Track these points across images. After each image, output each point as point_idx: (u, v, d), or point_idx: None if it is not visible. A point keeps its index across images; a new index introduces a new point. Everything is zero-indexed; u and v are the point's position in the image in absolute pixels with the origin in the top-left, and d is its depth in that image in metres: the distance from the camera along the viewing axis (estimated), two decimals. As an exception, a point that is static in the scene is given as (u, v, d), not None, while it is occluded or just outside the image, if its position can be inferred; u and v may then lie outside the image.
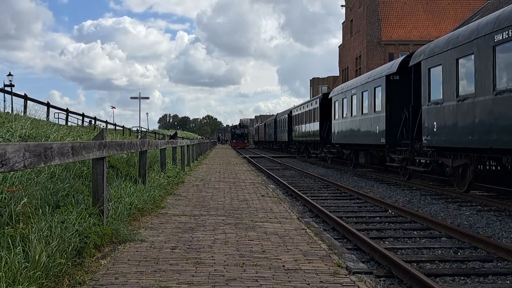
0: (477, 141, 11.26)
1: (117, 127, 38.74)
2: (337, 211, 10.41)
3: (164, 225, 6.62)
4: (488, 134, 10.74)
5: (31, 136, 9.09)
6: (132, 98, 77.21)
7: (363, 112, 20.44)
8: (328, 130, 28.25)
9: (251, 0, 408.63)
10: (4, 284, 3.34)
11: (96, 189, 5.81)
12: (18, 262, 3.63)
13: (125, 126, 42.34)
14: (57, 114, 25.05)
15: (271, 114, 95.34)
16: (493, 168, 12.89)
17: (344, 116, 23.76)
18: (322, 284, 4.03)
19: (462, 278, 5.63)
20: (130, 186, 8.36)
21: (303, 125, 36.03)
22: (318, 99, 31.34)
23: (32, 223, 4.59)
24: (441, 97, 13.11)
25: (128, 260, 4.74)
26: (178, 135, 41.06)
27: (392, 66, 17.85)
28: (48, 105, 22.81)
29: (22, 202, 4.83)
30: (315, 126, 31.48)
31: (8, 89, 25.51)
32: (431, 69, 13.87)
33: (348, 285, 4.03)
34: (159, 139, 21.08)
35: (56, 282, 3.84)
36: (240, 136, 76.58)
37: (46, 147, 4.02)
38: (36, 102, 21.11)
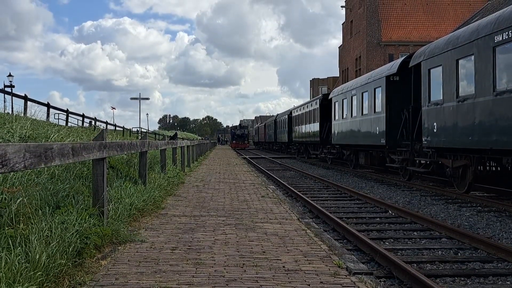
0: (477, 142, 11.26)
1: (117, 128, 38.75)
2: (337, 212, 10.41)
3: (164, 226, 6.61)
4: (488, 135, 10.74)
5: (31, 137, 9.09)
6: (132, 98, 77.36)
7: (363, 113, 20.44)
8: (328, 131, 28.25)
9: (251, 1, 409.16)
10: (4, 285, 3.34)
11: (96, 190, 5.81)
12: (18, 263, 3.64)
13: (125, 127, 42.36)
14: (57, 115, 25.06)
15: (271, 114, 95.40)
16: (493, 169, 12.89)
17: (344, 117, 23.76)
18: (323, 285, 4.03)
19: (462, 278, 5.63)
20: (130, 186, 8.36)
21: (303, 126, 36.03)
22: (318, 100, 31.34)
23: (32, 223, 4.60)
24: (441, 98, 13.11)
25: (128, 260, 4.74)
26: (178, 136, 41.09)
27: (392, 67, 17.85)
28: (48, 106, 22.81)
29: (17, 201, 4.83)
30: (315, 127, 31.48)
31: (8, 90, 25.51)
32: (431, 70, 13.88)
33: (348, 286, 4.03)
34: (159, 140, 21.09)
35: (56, 283, 3.84)
36: (240, 137, 76.56)
37: (47, 148, 4.02)
38: (36, 103, 21.11)
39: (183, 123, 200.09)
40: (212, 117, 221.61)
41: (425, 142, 14.10)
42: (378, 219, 9.74)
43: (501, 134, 10.26)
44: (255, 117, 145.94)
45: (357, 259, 5.40)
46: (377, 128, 18.50)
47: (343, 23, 57.23)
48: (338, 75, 61.77)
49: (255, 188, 11.96)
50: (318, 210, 10.10)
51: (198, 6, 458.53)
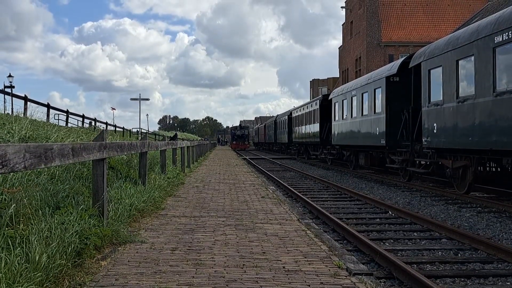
0: (477, 143, 11.26)
1: (117, 129, 38.76)
2: (337, 213, 10.41)
3: (164, 227, 6.61)
4: (488, 136, 10.74)
5: (31, 137, 9.09)
6: (132, 99, 77.42)
7: (363, 114, 20.45)
8: (328, 132, 28.25)
9: (251, 1, 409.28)
10: (4, 285, 3.34)
11: (96, 190, 5.81)
12: (18, 263, 3.63)
13: (125, 127, 42.37)
14: (57, 115, 25.07)
15: (271, 115, 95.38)
16: (493, 169, 12.89)
17: (344, 117, 23.76)
18: (323, 286, 4.03)
19: (462, 279, 5.62)
20: (130, 187, 8.37)
21: (303, 127, 36.04)
22: (318, 101, 31.35)
23: (32, 224, 4.59)
24: (441, 99, 13.12)
25: (128, 261, 4.73)
26: (178, 137, 41.08)
27: (392, 67, 17.86)
28: (48, 107, 22.81)
29: (12, 206, 4.82)
30: (315, 127, 31.49)
31: (8, 90, 25.52)
32: (431, 71, 13.88)
33: (348, 287, 4.02)
34: (159, 141, 21.10)
35: (56, 283, 3.84)
36: (241, 137, 76.22)
37: (47, 148, 4.02)
38: (36, 104, 21.12)
39: (183, 124, 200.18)
40: (212, 118, 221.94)
41: (425, 143, 14.10)
42: (378, 219, 9.73)
43: (501, 134, 10.26)
44: (255, 117, 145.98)
45: (357, 259, 5.39)
46: (377, 128, 18.50)
47: (343, 23, 57.24)
48: (338, 76, 61.79)
49: (255, 189, 11.96)
50: (318, 211, 10.10)
51: (198, 7, 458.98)
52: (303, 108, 36.79)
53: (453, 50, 12.46)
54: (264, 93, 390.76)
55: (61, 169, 7.64)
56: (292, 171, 24.22)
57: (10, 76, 33.59)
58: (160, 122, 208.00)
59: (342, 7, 55.10)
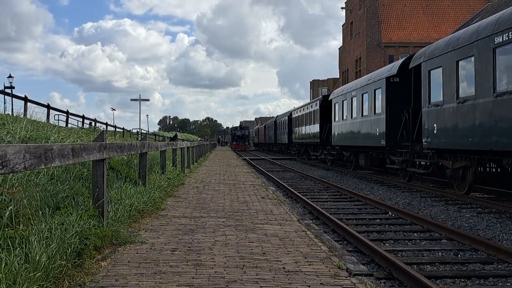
0: (477, 143, 11.26)
1: (117, 129, 38.76)
2: (337, 213, 10.40)
3: (164, 227, 6.61)
4: (488, 136, 10.74)
5: (31, 138, 9.09)
6: (132, 100, 77.52)
7: (363, 114, 20.45)
8: (328, 132, 28.26)
9: (251, 2, 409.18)
10: (5, 285, 3.34)
11: (96, 191, 5.80)
12: (18, 264, 3.63)
13: (125, 128, 42.38)
14: (57, 116, 25.07)
15: (271, 116, 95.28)
16: (493, 170, 12.88)
17: (344, 118, 23.77)
18: (323, 286, 4.03)
19: (462, 280, 5.62)
20: (130, 188, 8.37)
21: (303, 127, 36.04)
22: (318, 101, 31.35)
23: (32, 224, 4.59)
24: (441, 99, 13.12)
25: (128, 262, 4.73)
26: (178, 137, 41.08)
27: (392, 68, 17.86)
28: (48, 107, 22.81)
29: (12, 207, 4.82)
30: (315, 128, 31.49)
31: (9, 91, 25.52)
32: (431, 71, 13.88)
33: (348, 287, 4.02)
34: (159, 141, 21.11)
35: (56, 284, 3.84)
36: (241, 138, 75.84)
37: (47, 149, 4.02)
38: (37, 104, 21.12)
39: (183, 124, 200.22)
40: (212, 119, 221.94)
41: (425, 143, 14.10)
42: (378, 220, 9.73)
43: (501, 135, 10.26)
44: (255, 118, 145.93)
45: (357, 260, 5.40)
46: (377, 129, 18.50)
47: (343, 24, 57.27)
48: (338, 77, 61.81)
49: (255, 189, 11.96)
50: (318, 212, 10.09)
51: (198, 8, 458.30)
52: (303, 109, 36.79)
53: (453, 50, 12.46)
54: (264, 93, 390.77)
55: (61, 170, 7.64)
56: (292, 172, 24.22)
57: (10, 76, 33.61)
58: (160, 122, 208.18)
59: (342, 8, 55.16)
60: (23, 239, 4.19)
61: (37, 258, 3.82)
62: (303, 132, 36.03)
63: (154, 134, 62.93)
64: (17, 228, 4.46)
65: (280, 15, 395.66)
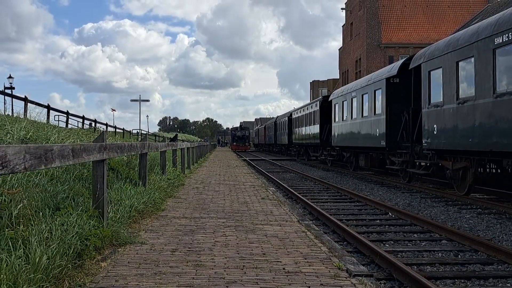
0: (477, 144, 11.26)
1: (117, 130, 38.76)
2: (337, 214, 10.40)
3: (164, 228, 6.61)
4: (488, 137, 10.74)
5: (31, 139, 9.09)
6: (132, 100, 77.61)
7: (363, 115, 20.45)
8: (328, 133, 28.26)
9: (251, 3, 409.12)
10: (5, 286, 3.34)
11: (96, 192, 5.81)
12: (18, 265, 3.63)
13: (125, 128, 42.38)
14: (57, 116, 25.06)
15: (271, 116, 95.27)
16: (493, 171, 12.89)
17: (344, 118, 23.77)
18: (323, 287, 4.03)
19: (462, 281, 5.62)
20: (130, 188, 8.37)
21: (303, 128, 36.04)
22: (318, 102, 31.35)
23: (32, 225, 4.59)
24: (441, 100, 13.12)
25: (128, 262, 4.73)
26: (178, 138, 41.09)
27: (392, 69, 17.86)
28: (48, 108, 22.81)
29: (17, 204, 4.82)
30: (315, 128, 31.49)
31: (9, 91, 25.53)
32: (431, 72, 13.88)
33: (348, 288, 4.02)
34: (159, 142, 21.10)
35: (56, 285, 3.84)
36: (241, 139, 75.37)
37: (47, 149, 4.02)
38: (37, 105, 21.11)
39: (183, 125, 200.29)
40: (212, 119, 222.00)
41: (425, 144, 14.10)
42: (378, 221, 9.73)
43: (501, 136, 10.26)
44: (255, 119, 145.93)
45: (357, 261, 5.39)
46: (377, 130, 18.50)
47: (343, 25, 57.29)
48: (338, 77, 61.83)
49: (255, 190, 11.96)
50: (318, 212, 10.09)
51: (198, 8, 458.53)
52: (303, 110, 36.79)
53: (453, 51, 12.46)
54: (264, 94, 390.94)
55: (61, 170, 7.64)
56: (292, 173, 24.22)
57: (10, 77, 33.60)
58: (160, 123, 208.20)
59: (342, 9, 55.21)
60: (24, 240, 4.19)
61: (38, 259, 3.82)
62: (303, 133, 36.03)
63: (154, 134, 62.93)
64: (17, 229, 4.46)
65: (280, 16, 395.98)
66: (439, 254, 6.92)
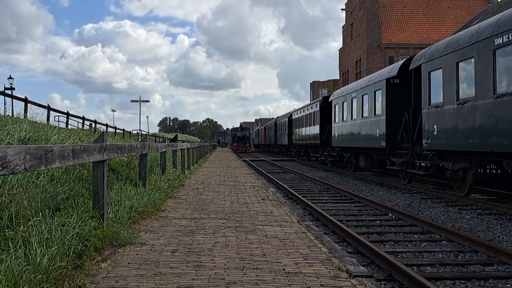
0: (477, 145, 11.26)
1: (117, 130, 38.77)
2: (337, 215, 10.40)
3: (164, 228, 6.61)
4: (489, 138, 10.74)
5: (31, 139, 9.10)
6: (132, 101, 77.60)
7: (363, 116, 20.45)
8: (328, 134, 28.26)
9: (251, 4, 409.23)
10: (6, 287, 3.34)
11: (96, 192, 5.81)
12: (18, 265, 3.63)
13: (125, 129, 42.39)
14: (57, 117, 25.08)
15: (271, 117, 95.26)
16: (494, 171, 12.88)
17: (344, 119, 23.77)
18: (323, 288, 4.03)
19: (462, 281, 5.62)
20: (130, 189, 8.37)
21: (303, 129, 36.05)
22: (318, 103, 31.36)
23: (32, 226, 4.59)
24: (441, 101, 13.12)
25: (128, 263, 4.73)
26: (178, 138, 41.09)
27: (392, 69, 17.86)
28: (49, 108, 22.82)
29: (17, 204, 4.82)
30: (315, 129, 31.50)
31: (9, 92, 25.53)
32: (431, 73, 13.89)
33: (348, 289, 4.02)
34: (159, 142, 21.14)
35: (56, 285, 3.84)
36: (242, 139, 74.70)
37: (47, 150, 4.02)
38: (37, 105, 21.13)
39: (183, 126, 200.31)
40: (212, 120, 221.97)
41: (425, 145, 14.10)
42: (378, 221, 9.73)
43: (501, 136, 10.26)
44: (255, 119, 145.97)
45: (358, 261, 5.39)
46: (377, 130, 18.50)
47: (343, 25, 57.31)
48: (338, 78, 61.85)
49: (255, 191, 11.96)
50: (318, 213, 10.09)
51: (198, 9, 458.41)
52: (303, 110, 36.80)
53: (453, 52, 12.47)
54: (264, 95, 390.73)
55: (61, 171, 7.65)
56: (292, 173, 24.22)
57: (10, 77, 33.61)
58: (160, 124, 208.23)
59: (342, 9, 55.23)
60: (24, 241, 4.19)
61: (38, 260, 3.82)
62: (303, 134, 36.04)
63: (154, 135, 62.93)
64: (17, 230, 4.46)
65: (280, 16, 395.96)
66: (439, 255, 6.92)
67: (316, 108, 31.72)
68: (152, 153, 12.55)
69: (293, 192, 14.04)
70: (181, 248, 5.43)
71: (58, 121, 24.76)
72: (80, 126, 28.29)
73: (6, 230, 4.37)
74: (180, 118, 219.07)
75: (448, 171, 13.30)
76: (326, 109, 29.09)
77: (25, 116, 16.82)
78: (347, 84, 40.48)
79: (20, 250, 3.95)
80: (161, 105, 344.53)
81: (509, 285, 5.49)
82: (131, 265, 4.64)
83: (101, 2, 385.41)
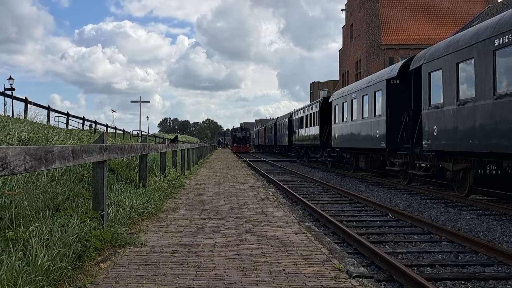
0: (477, 145, 11.26)
1: (117, 131, 38.76)
2: (337, 215, 10.40)
3: (164, 229, 6.61)
4: (489, 138, 10.74)
5: (31, 140, 9.10)
6: (132, 102, 77.57)
7: (364, 116, 20.45)
8: (328, 134, 28.26)
9: (251, 4, 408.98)
10: (5, 288, 3.34)
11: (96, 193, 5.81)
12: (19, 266, 3.63)
13: (125, 129, 42.38)
14: (57, 117, 25.08)
15: (271, 118, 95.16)
16: (494, 172, 12.88)
17: (344, 120, 23.78)
18: (323, 288, 4.03)
19: (462, 282, 5.62)
20: (130, 189, 8.37)
21: (303, 129, 36.05)
22: (318, 103, 31.35)
23: (32, 226, 4.59)
24: (442, 101, 13.12)
25: (128, 264, 4.73)
26: (178, 139, 41.09)
27: (392, 70, 17.87)
28: (49, 109, 22.83)
29: (17, 204, 4.82)
30: (315, 130, 31.49)
31: (9, 92, 25.51)
32: (431, 73, 13.89)
33: (348, 289, 4.02)
34: (159, 143, 21.14)
35: (56, 286, 3.84)
36: (242, 140, 74.34)
37: (47, 151, 4.02)
38: (37, 106, 21.13)
39: (183, 126, 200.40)
40: (212, 120, 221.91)
41: (425, 146, 14.10)
42: (378, 222, 9.73)
43: (502, 137, 10.26)
44: (255, 120, 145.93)
45: (358, 262, 5.40)
46: (377, 131, 18.51)
47: (343, 26, 57.32)
48: (338, 79, 61.85)
49: (255, 191, 11.96)
50: (318, 213, 10.09)
51: (198, 10, 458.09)
52: (304, 111, 36.80)
53: (453, 53, 12.47)
54: (264, 95, 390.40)
55: (61, 172, 7.65)
56: (292, 174, 24.22)
57: (10, 78, 33.59)
58: (160, 124, 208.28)
59: (342, 10, 55.23)
60: (24, 241, 4.19)
61: (38, 260, 3.82)
62: (303, 134, 36.04)
63: (154, 136, 62.88)
64: (17, 230, 4.46)
65: (280, 17, 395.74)
66: (440, 255, 6.92)
67: (316, 108, 31.72)
68: (152, 153, 12.55)
69: (293, 192, 14.04)
70: (181, 248, 5.43)
71: (58, 121, 24.78)
72: (80, 126, 28.29)
73: (7, 231, 4.37)
74: (180, 119, 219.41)
75: (448, 172, 13.30)
76: (326, 109, 29.08)
77: (25, 116, 16.82)
78: (347, 84, 40.50)
79: (21, 250, 3.95)
80: (161, 105, 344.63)
81: (509, 286, 5.49)
82: (131, 266, 4.64)
83: (101, 3, 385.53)
